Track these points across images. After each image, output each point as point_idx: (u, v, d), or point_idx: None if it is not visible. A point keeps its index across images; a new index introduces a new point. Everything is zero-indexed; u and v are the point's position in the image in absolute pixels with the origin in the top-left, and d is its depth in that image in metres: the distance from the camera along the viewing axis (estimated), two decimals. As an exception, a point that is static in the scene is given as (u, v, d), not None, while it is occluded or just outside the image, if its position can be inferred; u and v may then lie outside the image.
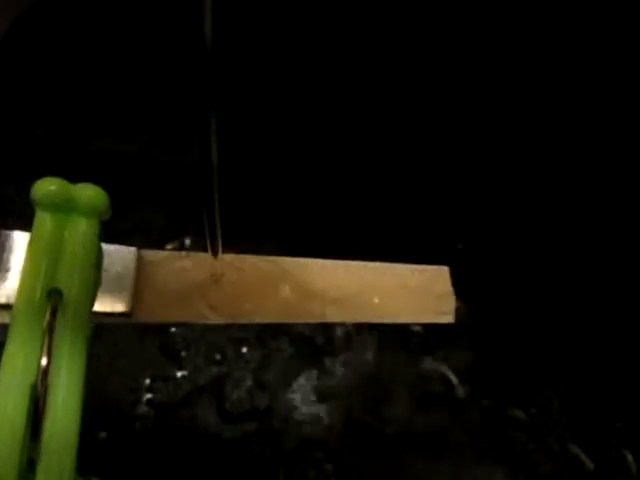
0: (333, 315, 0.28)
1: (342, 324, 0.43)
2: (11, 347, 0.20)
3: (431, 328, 0.43)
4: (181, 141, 0.47)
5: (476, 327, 0.44)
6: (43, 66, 0.52)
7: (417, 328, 0.43)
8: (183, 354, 0.41)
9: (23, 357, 0.20)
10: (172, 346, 0.41)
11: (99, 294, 0.23)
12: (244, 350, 0.41)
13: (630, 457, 0.40)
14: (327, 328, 0.43)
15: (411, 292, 0.28)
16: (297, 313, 0.27)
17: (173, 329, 0.41)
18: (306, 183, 0.49)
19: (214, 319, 0.26)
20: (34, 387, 0.20)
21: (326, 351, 0.42)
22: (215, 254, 0.24)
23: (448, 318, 0.28)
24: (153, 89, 0.50)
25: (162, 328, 0.41)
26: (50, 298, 0.21)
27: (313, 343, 0.42)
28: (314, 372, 0.41)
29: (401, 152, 0.52)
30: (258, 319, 0.27)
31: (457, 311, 0.38)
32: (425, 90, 0.54)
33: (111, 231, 0.24)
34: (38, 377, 0.20)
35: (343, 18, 0.55)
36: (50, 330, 0.20)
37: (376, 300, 0.28)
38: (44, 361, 0.20)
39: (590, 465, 0.39)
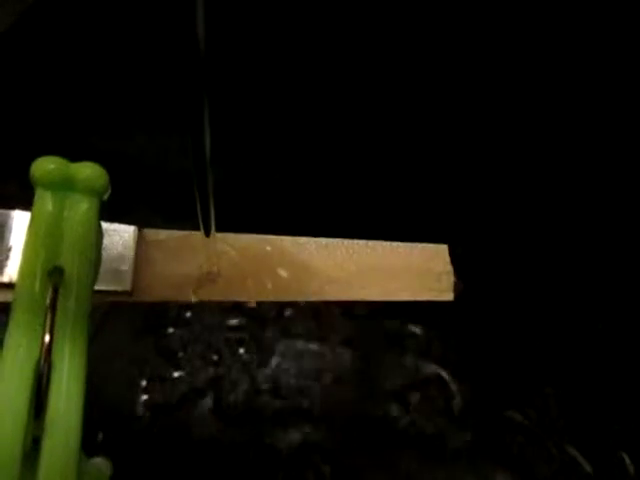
0: (332, 294, 0.28)
1: (339, 323, 0.43)
2: (14, 325, 0.20)
3: (428, 328, 0.43)
4: (179, 142, 0.47)
5: (473, 329, 0.44)
6: (40, 67, 0.52)
7: (414, 328, 0.43)
8: (180, 355, 0.41)
9: (26, 335, 0.20)
10: (169, 347, 0.41)
11: (100, 273, 0.23)
12: (241, 351, 0.41)
13: (628, 459, 0.40)
14: (326, 329, 0.43)
15: (410, 271, 0.29)
16: (296, 292, 0.27)
17: (170, 329, 0.41)
18: (305, 162, 0.49)
19: (213, 298, 0.26)
20: (37, 365, 0.20)
21: (325, 353, 0.42)
22: (207, 234, 0.24)
23: (447, 296, 0.29)
24: (151, 90, 0.50)
25: (159, 328, 0.41)
26: (51, 276, 0.21)
27: (312, 345, 0.42)
28: (313, 374, 0.41)
29: (400, 133, 0.52)
30: (257, 298, 0.27)
31: (455, 315, 0.38)
32: (428, 77, 0.54)
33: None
34: (41, 355, 0.20)
35: (341, 9, 0.55)
36: (53, 307, 0.20)
37: (375, 279, 0.28)
38: (47, 338, 0.20)
39: (588, 467, 0.39)
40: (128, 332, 0.41)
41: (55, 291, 0.20)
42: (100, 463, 0.23)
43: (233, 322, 0.42)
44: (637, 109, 0.53)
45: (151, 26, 0.50)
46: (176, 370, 0.40)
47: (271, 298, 0.27)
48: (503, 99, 0.54)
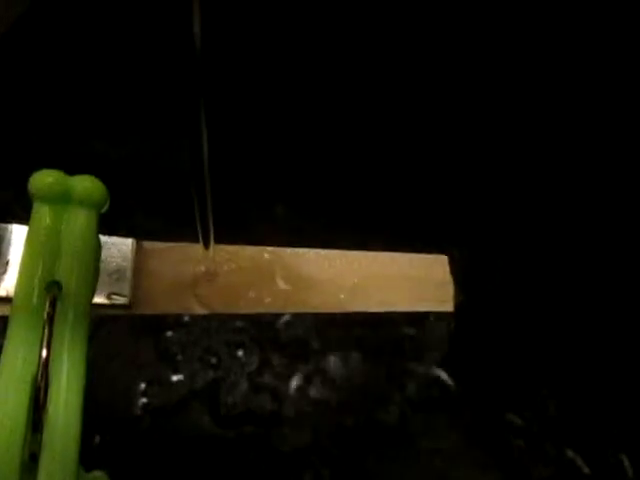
0: (332, 305, 0.28)
1: (336, 326, 0.43)
2: (12, 340, 0.20)
3: (426, 331, 0.43)
4: (176, 145, 0.46)
5: (472, 332, 0.44)
6: (37, 71, 0.51)
7: (412, 331, 0.43)
8: (179, 358, 0.41)
9: (24, 349, 0.20)
10: (168, 350, 0.41)
11: (99, 286, 0.23)
12: (240, 354, 0.41)
13: (627, 461, 0.39)
14: (323, 331, 0.42)
15: (410, 281, 0.28)
16: (296, 303, 0.27)
17: (169, 333, 0.41)
18: (305, 172, 0.49)
19: (213, 310, 0.26)
20: (35, 379, 0.20)
21: (323, 354, 0.42)
22: (206, 245, 0.24)
23: (447, 306, 0.28)
24: (147, 92, 0.50)
25: (158, 331, 0.41)
26: (49, 290, 0.21)
27: (309, 346, 0.42)
28: (310, 375, 0.41)
29: (400, 142, 0.52)
30: (256, 309, 0.27)
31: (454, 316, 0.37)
32: (428, 80, 0.54)
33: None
34: (38, 369, 0.20)
35: (340, 8, 0.55)
36: (50, 321, 0.20)
37: (375, 289, 0.28)
38: (44, 353, 0.20)
39: (586, 470, 0.39)
40: (127, 335, 0.41)
41: (53, 305, 0.20)
42: (98, 477, 0.22)
43: (232, 325, 0.42)
44: (637, 110, 0.53)
45: (148, 28, 0.50)
46: (175, 373, 0.40)
47: (271, 309, 0.27)
48: (505, 110, 0.54)
